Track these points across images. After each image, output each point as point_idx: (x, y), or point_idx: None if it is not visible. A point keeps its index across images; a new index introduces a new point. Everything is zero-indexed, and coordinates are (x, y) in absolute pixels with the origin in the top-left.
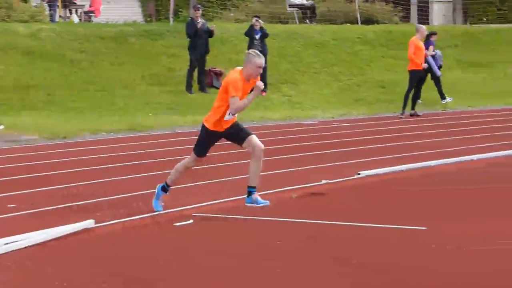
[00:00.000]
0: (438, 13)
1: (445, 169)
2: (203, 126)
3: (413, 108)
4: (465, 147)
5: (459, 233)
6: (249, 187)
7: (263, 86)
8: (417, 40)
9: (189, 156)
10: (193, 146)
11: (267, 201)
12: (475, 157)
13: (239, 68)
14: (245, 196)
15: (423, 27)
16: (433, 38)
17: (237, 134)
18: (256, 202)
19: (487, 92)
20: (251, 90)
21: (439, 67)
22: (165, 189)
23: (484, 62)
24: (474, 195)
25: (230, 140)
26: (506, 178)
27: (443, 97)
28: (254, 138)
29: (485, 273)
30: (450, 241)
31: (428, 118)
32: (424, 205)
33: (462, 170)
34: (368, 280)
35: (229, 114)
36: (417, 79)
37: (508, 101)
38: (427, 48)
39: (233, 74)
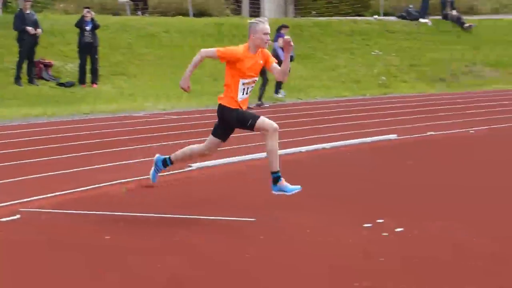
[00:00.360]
0: (270, 6)
1: None
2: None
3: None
4: (294, 139)
5: (287, 224)
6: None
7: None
8: None
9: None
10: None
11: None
12: (303, 148)
13: (242, 45)
14: None
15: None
16: (283, 31)
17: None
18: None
19: (317, 84)
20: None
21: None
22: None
23: (314, 54)
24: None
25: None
26: (331, 170)
27: (277, 90)
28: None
29: (312, 265)
30: (278, 232)
31: (258, 110)
32: (253, 197)
33: (290, 162)
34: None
35: (243, 94)
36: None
37: (338, 93)
38: (276, 40)
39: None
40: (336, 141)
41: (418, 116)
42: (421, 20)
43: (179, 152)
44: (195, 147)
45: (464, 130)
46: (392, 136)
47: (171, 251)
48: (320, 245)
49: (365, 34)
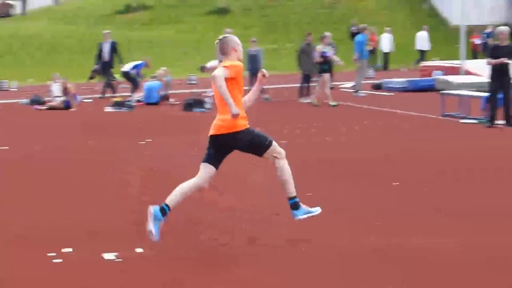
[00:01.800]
0: None
1: None
2: (245, 128)
3: None
4: None
5: None
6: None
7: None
8: None
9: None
10: (262, 147)
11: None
12: None
13: (221, 67)
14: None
15: None
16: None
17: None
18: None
19: None
20: None
21: None
22: None
23: None
24: None
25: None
26: None
27: None
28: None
29: None
30: None
31: None
32: None
33: None
34: None
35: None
36: None
37: None
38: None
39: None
40: None
41: None
42: None
43: (172, 195)
44: (188, 184)
45: None
46: None
47: None
48: None
49: None
